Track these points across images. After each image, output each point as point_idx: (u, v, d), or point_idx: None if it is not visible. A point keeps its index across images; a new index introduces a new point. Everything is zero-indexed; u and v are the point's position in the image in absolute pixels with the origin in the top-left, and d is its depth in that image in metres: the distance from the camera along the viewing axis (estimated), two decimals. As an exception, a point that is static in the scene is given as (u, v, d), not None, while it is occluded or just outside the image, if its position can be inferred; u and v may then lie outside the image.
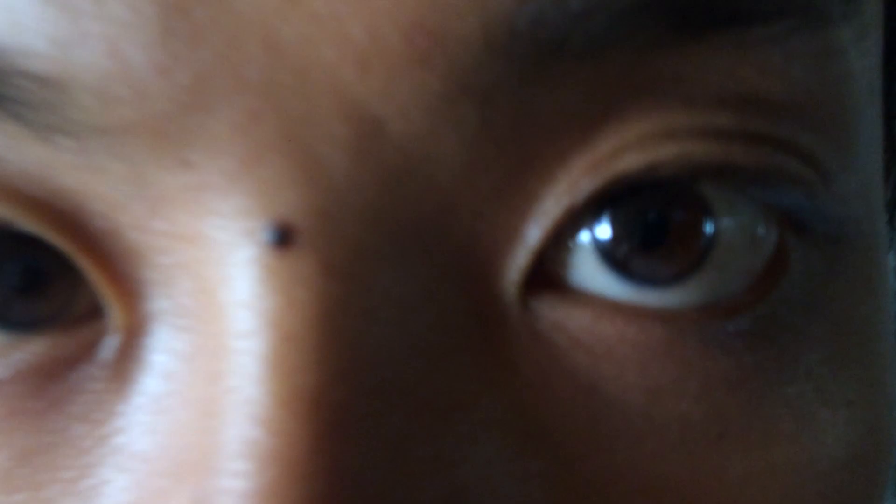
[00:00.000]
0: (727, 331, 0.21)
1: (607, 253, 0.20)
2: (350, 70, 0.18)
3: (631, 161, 0.20)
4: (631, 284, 0.20)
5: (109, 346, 0.20)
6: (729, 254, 0.21)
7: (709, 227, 0.21)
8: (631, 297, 0.20)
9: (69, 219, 0.19)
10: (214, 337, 0.19)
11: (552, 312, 0.20)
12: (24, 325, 0.20)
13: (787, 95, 0.20)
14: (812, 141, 0.21)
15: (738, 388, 0.21)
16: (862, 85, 0.22)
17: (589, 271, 0.20)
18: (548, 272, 0.20)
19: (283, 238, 0.18)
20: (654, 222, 0.20)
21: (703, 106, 0.20)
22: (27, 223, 0.19)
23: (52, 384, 0.20)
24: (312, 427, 0.18)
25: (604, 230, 0.20)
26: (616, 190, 0.20)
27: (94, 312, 0.20)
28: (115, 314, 0.20)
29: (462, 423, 0.19)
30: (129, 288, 0.20)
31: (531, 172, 0.19)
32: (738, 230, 0.21)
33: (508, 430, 0.19)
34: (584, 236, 0.20)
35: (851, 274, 0.22)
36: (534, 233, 0.20)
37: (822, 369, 0.22)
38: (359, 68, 0.18)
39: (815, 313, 0.22)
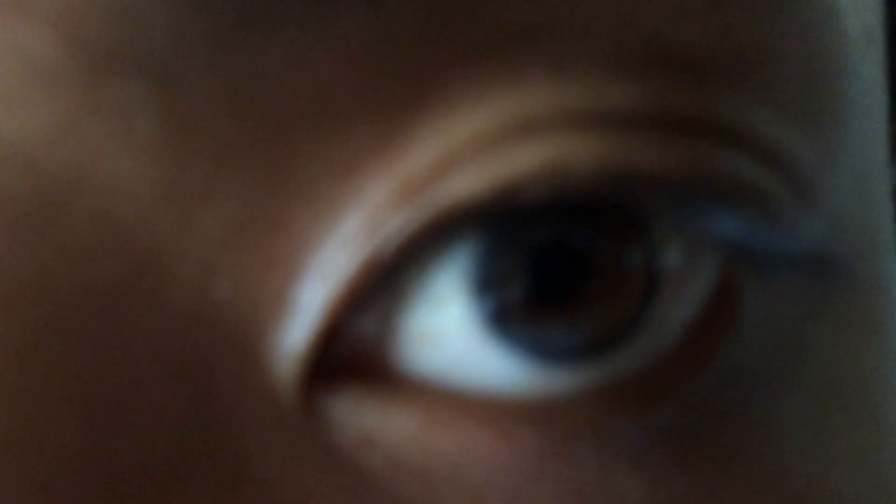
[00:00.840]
0: (646, 427, 0.13)
1: (474, 305, 0.13)
2: None
3: (466, 183, 0.12)
4: (513, 358, 0.13)
5: None
6: (670, 301, 0.13)
7: (636, 259, 0.13)
8: (497, 384, 0.13)
9: None
10: None
11: (361, 417, 0.13)
12: None
13: (725, 50, 0.13)
14: (770, 123, 0.13)
15: None
16: (852, 27, 0.15)
17: (435, 341, 0.13)
18: (359, 349, 0.13)
19: None
20: (545, 252, 0.13)
21: (583, 75, 0.12)
22: None
23: None
24: None
25: (460, 264, 0.13)
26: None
27: None
28: None
29: None
30: None
31: (288, 202, 0.12)
32: (678, 261, 0.13)
33: None
34: (434, 277, 0.13)
35: (846, 315, 0.15)
36: (312, 295, 0.12)
37: (802, 466, 0.14)
38: None
39: (788, 382, 0.14)
